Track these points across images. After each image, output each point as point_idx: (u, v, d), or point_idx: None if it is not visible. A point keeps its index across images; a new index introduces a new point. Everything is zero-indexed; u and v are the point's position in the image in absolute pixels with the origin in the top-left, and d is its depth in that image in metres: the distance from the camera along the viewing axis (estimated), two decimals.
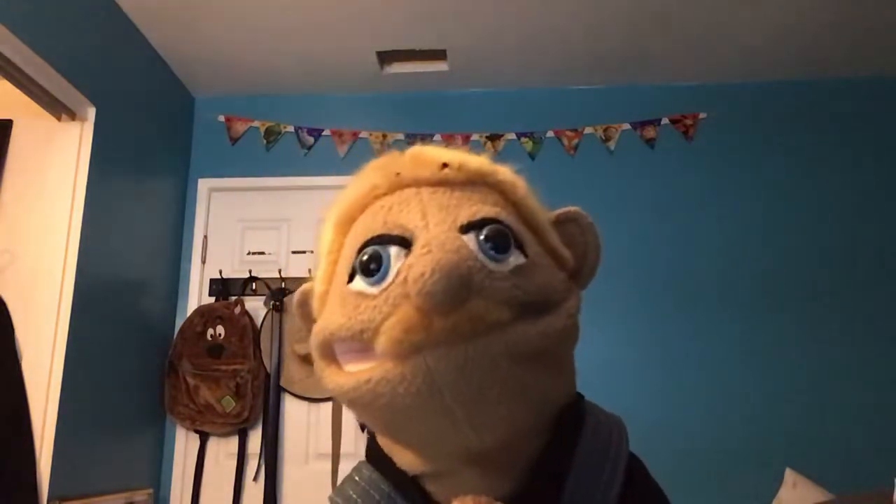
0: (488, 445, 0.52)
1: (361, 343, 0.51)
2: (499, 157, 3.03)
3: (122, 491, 2.38)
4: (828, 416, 2.60)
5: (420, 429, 0.53)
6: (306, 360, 2.67)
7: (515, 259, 0.52)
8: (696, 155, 2.92)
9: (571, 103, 3.02)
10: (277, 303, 2.73)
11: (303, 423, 2.73)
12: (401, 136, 2.99)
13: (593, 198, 2.88)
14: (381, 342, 0.49)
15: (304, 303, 0.64)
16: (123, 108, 2.51)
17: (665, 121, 2.96)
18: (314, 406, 2.73)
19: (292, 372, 2.71)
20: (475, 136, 2.98)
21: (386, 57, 2.86)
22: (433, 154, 0.59)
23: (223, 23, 2.59)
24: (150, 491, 2.58)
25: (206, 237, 2.95)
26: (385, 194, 0.57)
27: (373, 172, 0.60)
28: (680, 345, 2.71)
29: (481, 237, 0.51)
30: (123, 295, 2.49)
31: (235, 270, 2.89)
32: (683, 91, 3.00)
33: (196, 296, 2.86)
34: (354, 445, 2.66)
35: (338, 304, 0.54)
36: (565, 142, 2.96)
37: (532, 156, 2.94)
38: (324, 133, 3.02)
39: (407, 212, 0.54)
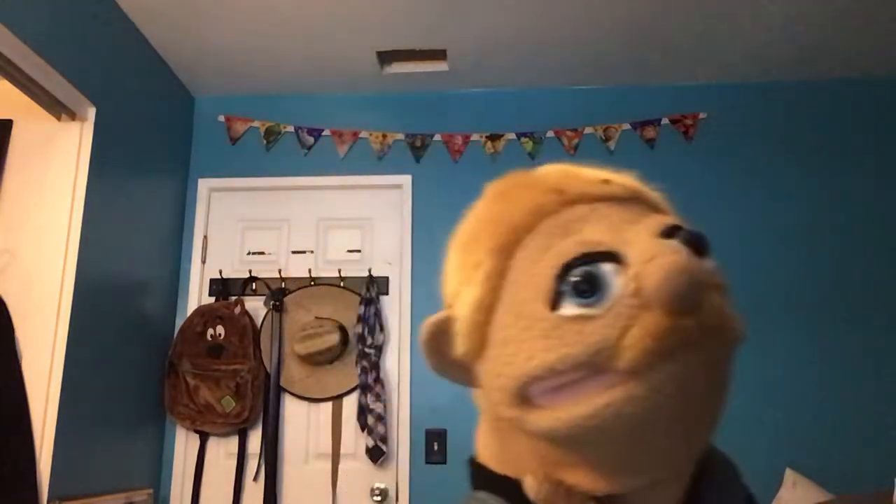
0: (692, 455, 0.53)
1: (588, 370, 0.48)
2: (499, 156, 3.06)
3: (122, 491, 2.38)
4: (828, 416, 2.60)
5: (651, 444, 0.50)
6: (306, 360, 2.67)
7: (710, 259, 0.53)
8: (696, 155, 2.92)
9: (571, 103, 3.02)
10: (277, 303, 2.73)
11: (303, 423, 2.73)
12: (401, 136, 2.99)
13: None
14: (629, 357, 0.47)
15: (440, 335, 0.57)
16: (123, 108, 2.51)
17: (665, 121, 2.96)
18: (314, 406, 2.73)
19: (292, 372, 2.71)
20: (475, 136, 2.98)
21: (386, 57, 2.86)
22: (588, 172, 0.58)
23: (223, 23, 2.59)
24: (150, 491, 2.58)
25: (206, 237, 2.95)
26: (552, 213, 0.54)
27: (528, 191, 0.56)
28: None
29: (682, 242, 0.50)
30: (123, 295, 2.49)
31: (235, 270, 2.89)
32: (683, 91, 3.00)
33: (196, 296, 2.86)
34: (354, 445, 2.67)
35: (538, 336, 0.50)
36: (565, 142, 2.96)
37: (532, 156, 2.94)
38: (324, 133, 3.02)
39: (593, 228, 0.52)
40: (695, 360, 0.47)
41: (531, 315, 0.51)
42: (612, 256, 0.49)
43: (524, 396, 0.51)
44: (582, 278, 0.49)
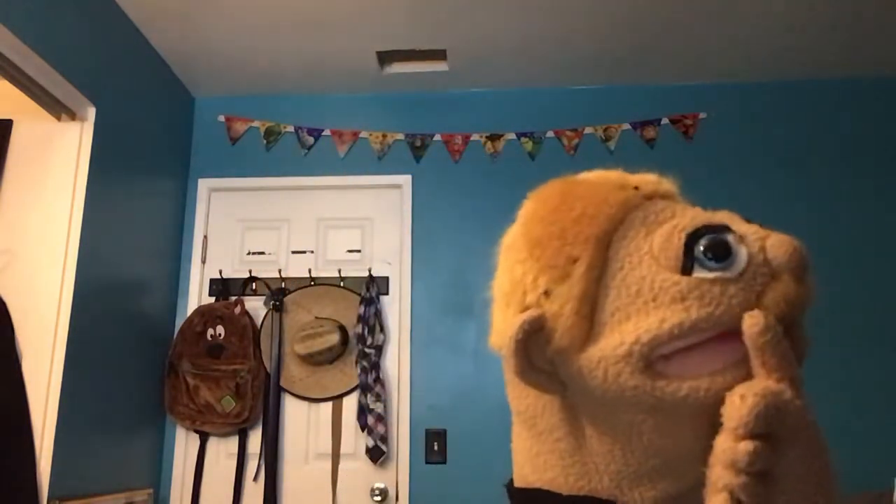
0: None
1: (726, 325, 0.51)
2: (499, 156, 3.06)
3: (121, 491, 2.38)
4: (828, 416, 2.60)
5: None
6: (306, 360, 2.67)
7: None
8: (696, 155, 2.92)
9: (571, 103, 3.02)
10: (277, 303, 2.73)
11: (303, 423, 2.73)
12: (401, 136, 2.99)
13: None
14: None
15: (535, 331, 0.54)
16: (123, 108, 2.51)
17: (665, 121, 2.96)
18: (314, 406, 2.73)
19: (292, 372, 2.71)
20: (475, 136, 2.98)
21: (386, 57, 2.86)
22: (633, 176, 0.63)
23: (223, 23, 2.59)
24: (150, 491, 2.58)
25: (206, 237, 2.95)
26: (637, 206, 0.58)
27: (603, 189, 0.59)
28: None
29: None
30: (123, 295, 2.49)
31: (235, 270, 2.89)
32: (683, 91, 3.00)
33: (196, 296, 2.86)
34: (354, 445, 2.67)
35: (670, 301, 0.52)
36: (565, 142, 2.96)
37: (532, 156, 2.94)
38: (324, 133, 3.02)
39: (687, 212, 0.58)
40: (797, 327, 0.54)
41: (659, 285, 0.53)
42: (729, 229, 0.54)
43: (650, 363, 0.52)
44: (714, 244, 0.53)
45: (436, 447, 2.65)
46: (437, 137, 2.99)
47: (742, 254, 0.53)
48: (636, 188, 0.60)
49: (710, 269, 0.52)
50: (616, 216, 0.56)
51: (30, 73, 2.04)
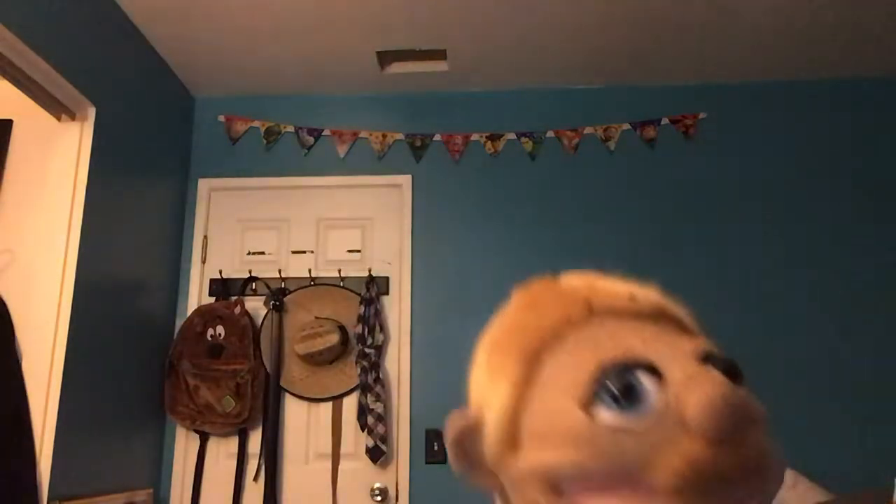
0: None
1: (618, 479, 0.48)
2: (499, 157, 3.06)
3: (122, 491, 2.38)
4: (828, 416, 2.60)
5: None
6: (306, 360, 2.67)
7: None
8: (696, 155, 2.92)
9: (571, 103, 3.02)
10: (277, 303, 2.73)
11: (303, 423, 2.73)
12: (401, 136, 2.99)
13: (593, 198, 2.89)
14: (663, 479, 0.46)
15: (466, 440, 0.56)
16: (123, 108, 2.51)
17: (665, 121, 2.96)
18: (314, 406, 2.73)
19: (292, 372, 2.71)
20: (475, 136, 2.98)
21: (386, 57, 2.86)
22: (615, 285, 0.58)
23: (223, 23, 2.59)
24: (150, 491, 2.58)
25: (206, 237, 2.95)
26: (579, 324, 0.55)
27: (556, 300, 0.57)
28: None
29: (719, 369, 0.49)
30: (123, 295, 2.49)
31: (235, 270, 2.89)
32: (683, 91, 3.00)
33: (196, 296, 2.86)
34: (354, 445, 2.67)
35: (571, 438, 0.50)
36: (565, 142, 2.96)
37: (532, 156, 2.94)
38: (324, 133, 3.02)
39: (633, 341, 0.51)
40: (729, 499, 0.47)
41: (565, 418, 0.51)
42: (652, 370, 0.48)
43: (558, 490, 0.51)
44: (622, 387, 0.48)
45: (436, 447, 2.65)
46: (437, 137, 2.99)
47: (652, 402, 0.47)
48: (589, 303, 0.55)
49: (613, 414, 0.48)
50: (550, 332, 0.54)
51: (30, 73, 2.04)
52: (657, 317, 0.56)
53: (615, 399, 0.48)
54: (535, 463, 0.52)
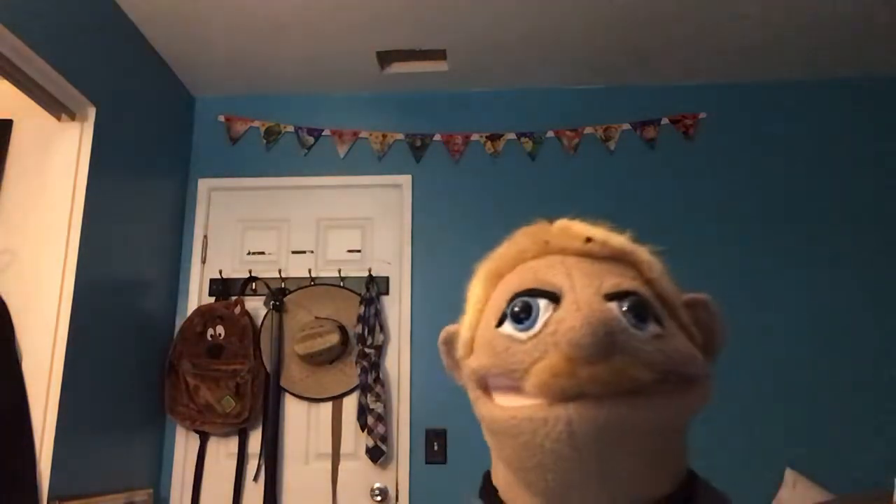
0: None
1: (511, 380, 0.57)
2: (499, 157, 3.05)
3: (121, 491, 2.38)
4: (828, 416, 2.60)
5: (552, 476, 0.56)
6: (306, 360, 2.67)
7: (654, 329, 0.57)
8: (696, 155, 2.92)
9: (571, 103, 3.02)
10: (277, 303, 2.73)
11: (303, 423, 2.73)
12: (401, 136, 2.99)
13: (593, 198, 2.89)
14: (531, 383, 0.54)
15: (448, 342, 0.73)
16: (123, 108, 2.51)
17: (665, 121, 2.96)
18: (314, 406, 2.74)
19: (292, 372, 2.71)
20: (475, 136, 2.98)
21: (386, 57, 2.86)
22: (580, 228, 0.66)
23: (223, 23, 2.59)
24: (150, 491, 2.58)
25: (206, 237, 2.95)
26: (533, 258, 0.65)
27: (523, 238, 0.68)
28: None
29: (623, 307, 0.57)
30: (123, 295, 2.49)
31: (235, 270, 2.89)
32: (683, 91, 3.00)
33: (196, 296, 2.86)
34: (354, 445, 2.67)
35: (487, 345, 0.61)
36: (565, 142, 2.96)
37: (532, 156, 2.94)
38: (324, 133, 3.02)
39: (554, 273, 0.61)
40: (589, 415, 0.52)
41: (486, 329, 0.64)
42: (552, 297, 0.58)
43: (482, 386, 0.62)
44: (521, 307, 0.59)
45: (436, 447, 2.65)
46: (437, 137, 2.99)
47: (540, 320, 0.57)
48: (547, 242, 0.65)
49: (511, 327, 0.59)
50: (505, 265, 0.67)
51: (30, 73, 2.04)
52: (615, 259, 0.64)
53: (515, 318, 0.59)
54: (471, 365, 0.63)
